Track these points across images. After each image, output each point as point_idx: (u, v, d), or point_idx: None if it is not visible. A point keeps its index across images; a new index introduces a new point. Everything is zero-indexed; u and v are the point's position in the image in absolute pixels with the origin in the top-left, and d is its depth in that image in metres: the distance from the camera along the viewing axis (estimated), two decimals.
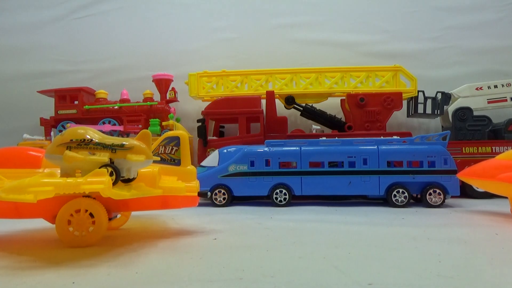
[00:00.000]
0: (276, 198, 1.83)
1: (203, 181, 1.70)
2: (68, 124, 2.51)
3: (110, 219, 1.19)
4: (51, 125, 2.59)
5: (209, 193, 1.62)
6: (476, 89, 2.42)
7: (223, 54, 2.87)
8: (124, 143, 1.05)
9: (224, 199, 1.85)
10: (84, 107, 2.57)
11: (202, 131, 2.33)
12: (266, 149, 1.87)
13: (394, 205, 1.75)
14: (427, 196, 1.75)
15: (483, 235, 1.15)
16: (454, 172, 1.74)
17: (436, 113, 2.43)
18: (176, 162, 1.26)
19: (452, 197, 1.81)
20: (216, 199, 1.86)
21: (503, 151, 2.18)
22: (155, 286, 0.73)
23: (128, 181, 1.09)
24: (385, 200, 1.88)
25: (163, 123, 2.47)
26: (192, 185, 1.22)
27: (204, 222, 1.42)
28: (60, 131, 2.55)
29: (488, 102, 2.42)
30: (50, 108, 2.63)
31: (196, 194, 1.22)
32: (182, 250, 1.01)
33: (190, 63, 2.77)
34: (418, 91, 2.41)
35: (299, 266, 0.84)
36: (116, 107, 2.57)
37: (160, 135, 2.45)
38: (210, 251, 0.99)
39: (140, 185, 1.10)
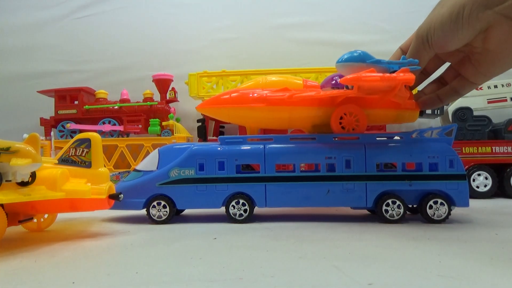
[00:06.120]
0: (234, 213, 1.41)
1: (136, 190, 1.42)
2: (68, 124, 2.51)
3: (21, 221, 1.21)
4: (51, 125, 2.60)
5: (121, 196, 1.24)
6: (476, 89, 2.42)
7: (223, 54, 2.87)
8: (9, 146, 1.02)
9: (165, 213, 1.43)
10: (84, 107, 2.57)
11: (202, 131, 2.33)
12: (219, 147, 1.45)
13: (385, 220, 1.36)
14: (427, 209, 1.36)
15: (483, 235, 1.15)
16: (463, 177, 1.37)
17: (436, 113, 2.42)
18: (87, 164, 1.23)
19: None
20: (153, 214, 1.43)
21: (503, 151, 2.19)
22: (155, 286, 0.73)
23: (25, 184, 1.09)
24: (373, 212, 1.56)
25: (163, 123, 2.47)
26: (100, 187, 1.20)
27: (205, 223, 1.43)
28: (61, 131, 2.55)
29: (488, 102, 2.42)
30: (50, 108, 2.63)
31: (105, 196, 1.20)
32: (182, 250, 1.01)
33: (190, 63, 2.78)
34: (418, 91, 2.40)
35: (299, 266, 0.84)
36: (116, 107, 2.57)
37: (160, 135, 2.46)
38: (210, 251, 0.99)
39: (39, 188, 1.10)
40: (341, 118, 1.42)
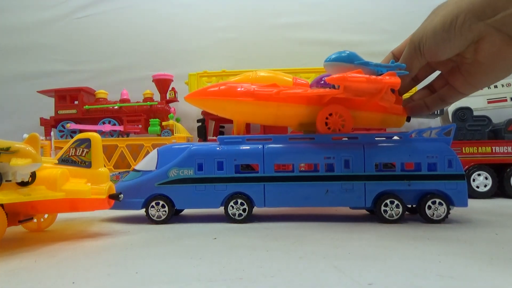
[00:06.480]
0: (232, 213, 1.41)
1: (135, 190, 1.42)
2: (68, 124, 2.51)
3: (21, 221, 1.20)
4: (51, 125, 2.60)
5: (121, 196, 1.24)
6: None
7: (223, 54, 2.87)
8: (9, 146, 1.02)
9: (164, 213, 1.43)
10: (84, 107, 2.57)
11: (202, 131, 2.33)
12: (218, 147, 1.45)
13: (385, 220, 1.36)
14: (426, 209, 1.36)
15: (483, 235, 1.15)
16: (462, 177, 1.36)
17: (436, 113, 2.42)
18: (87, 164, 1.23)
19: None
20: (152, 214, 1.42)
21: (503, 151, 2.19)
22: (155, 286, 0.73)
23: (25, 184, 1.09)
24: (372, 212, 1.57)
25: (163, 123, 2.47)
26: (100, 187, 1.20)
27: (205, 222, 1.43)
28: (61, 131, 2.55)
29: (488, 102, 2.42)
30: (50, 108, 2.63)
31: (105, 196, 1.20)
32: (182, 250, 1.01)
33: (190, 63, 2.78)
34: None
35: (299, 266, 0.84)
36: (116, 107, 2.57)
37: (160, 135, 2.46)
38: (210, 251, 0.99)
39: (39, 188, 1.10)
40: (327, 117, 1.41)
